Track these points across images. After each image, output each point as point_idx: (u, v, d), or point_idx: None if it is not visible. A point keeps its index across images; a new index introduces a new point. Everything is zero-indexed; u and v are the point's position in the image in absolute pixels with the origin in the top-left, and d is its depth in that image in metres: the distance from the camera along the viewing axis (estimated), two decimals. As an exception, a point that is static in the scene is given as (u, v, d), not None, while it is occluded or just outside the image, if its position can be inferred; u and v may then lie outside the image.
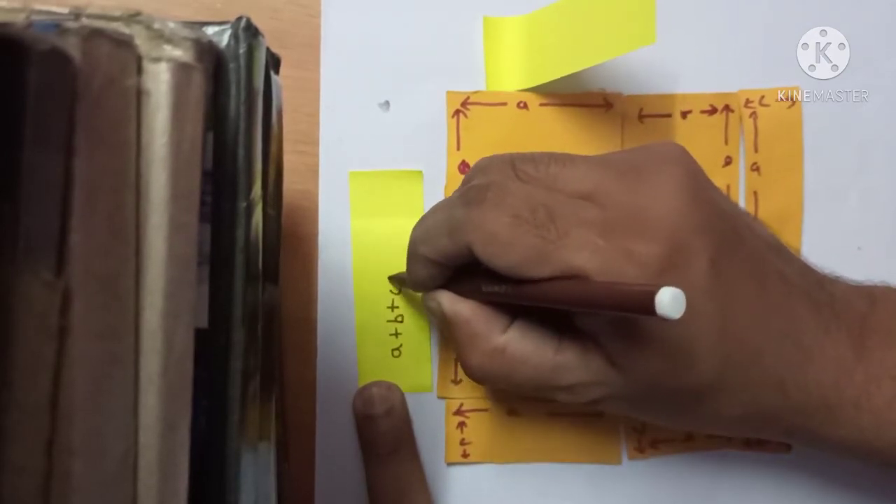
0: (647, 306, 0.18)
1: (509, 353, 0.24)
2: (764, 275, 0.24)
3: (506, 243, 0.23)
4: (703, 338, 0.23)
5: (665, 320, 0.18)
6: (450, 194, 0.30)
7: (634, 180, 0.23)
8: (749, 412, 0.24)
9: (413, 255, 0.26)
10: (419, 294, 0.29)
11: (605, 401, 0.24)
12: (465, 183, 0.27)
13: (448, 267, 0.25)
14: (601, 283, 0.21)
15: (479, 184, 0.24)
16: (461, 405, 0.31)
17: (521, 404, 0.31)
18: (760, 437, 0.28)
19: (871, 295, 0.27)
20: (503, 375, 0.25)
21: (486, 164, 0.26)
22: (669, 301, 0.18)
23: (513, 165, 0.25)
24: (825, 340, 0.25)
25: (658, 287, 0.18)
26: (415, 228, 0.26)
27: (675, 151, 0.25)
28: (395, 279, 0.30)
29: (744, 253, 0.24)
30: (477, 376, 0.25)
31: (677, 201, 0.23)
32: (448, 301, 0.26)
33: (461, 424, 0.31)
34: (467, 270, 0.25)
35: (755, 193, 0.32)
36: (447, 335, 0.27)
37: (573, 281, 0.22)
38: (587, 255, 0.22)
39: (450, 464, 0.31)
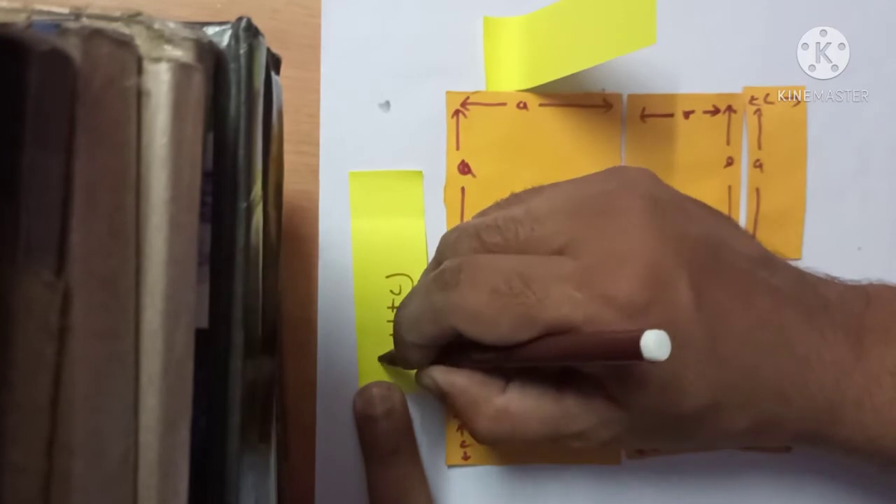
0: (634, 352, 0.19)
1: (513, 412, 0.24)
2: (749, 291, 0.24)
3: (490, 320, 0.23)
4: (695, 365, 0.23)
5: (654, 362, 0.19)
6: (450, 194, 0.31)
7: (603, 224, 0.23)
8: (754, 424, 0.24)
9: (400, 342, 0.26)
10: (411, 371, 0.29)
11: (616, 440, 0.24)
12: (435, 261, 0.27)
13: (437, 346, 0.26)
14: (587, 334, 0.22)
15: (451, 266, 0.25)
16: (461, 405, 0.31)
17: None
18: (770, 444, 0.28)
19: (866, 293, 0.27)
20: (511, 434, 0.24)
21: (454, 240, 0.26)
22: (654, 344, 0.18)
23: (479, 238, 0.25)
24: (821, 345, 0.25)
25: (641, 332, 0.19)
26: (396, 316, 0.27)
27: (642, 183, 0.25)
28: (386, 358, 0.30)
29: (724, 273, 0.24)
30: (488, 440, 0.25)
31: (649, 238, 0.23)
32: (441, 374, 0.26)
33: (461, 427, 0.31)
34: (457, 342, 0.25)
35: (757, 190, 0.32)
36: (450, 409, 0.27)
37: (560, 337, 0.22)
38: (568, 310, 0.22)
39: (450, 465, 0.31)
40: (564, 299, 0.22)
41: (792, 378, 0.24)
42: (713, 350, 0.23)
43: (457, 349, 0.26)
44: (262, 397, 0.21)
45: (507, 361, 0.24)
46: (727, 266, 0.24)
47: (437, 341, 0.25)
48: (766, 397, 0.24)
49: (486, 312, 0.23)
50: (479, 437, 0.25)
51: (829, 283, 0.27)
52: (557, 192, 0.26)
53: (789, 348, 0.24)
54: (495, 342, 0.23)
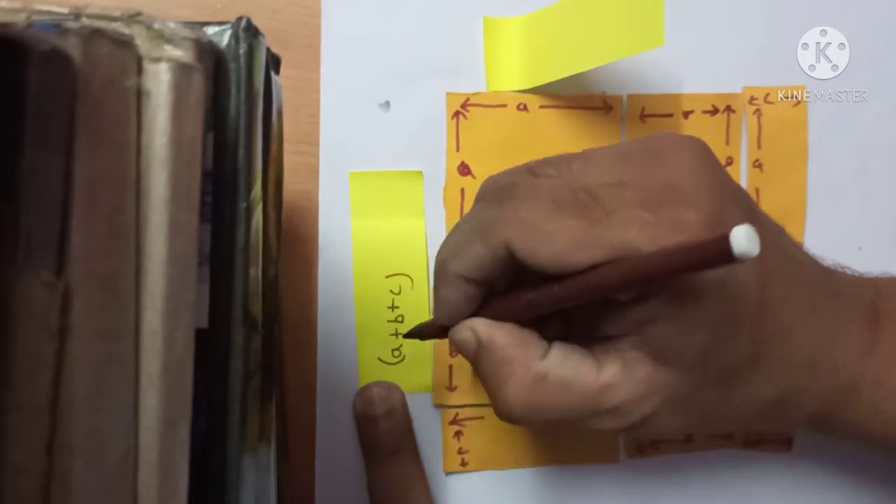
0: (722, 251, 0.17)
1: (552, 380, 0.23)
2: (783, 254, 0.24)
3: (549, 230, 0.21)
4: (744, 305, 0.22)
5: (718, 278, 0.18)
6: (449, 195, 0.31)
7: (659, 162, 0.23)
8: (779, 394, 0.24)
9: (442, 277, 0.24)
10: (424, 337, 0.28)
11: (651, 418, 0.23)
12: (479, 198, 0.25)
13: (482, 285, 0.24)
14: (663, 249, 0.20)
15: (505, 183, 0.23)
16: (457, 414, 0.31)
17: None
18: (783, 424, 0.27)
19: (875, 283, 0.27)
20: (544, 407, 0.23)
21: (501, 174, 0.25)
22: (745, 238, 0.17)
23: (531, 171, 0.24)
24: (844, 322, 0.25)
25: (727, 230, 0.17)
26: (439, 252, 0.25)
27: (685, 135, 0.24)
28: (413, 333, 0.28)
29: (763, 228, 0.24)
30: (516, 411, 0.23)
31: (706, 174, 0.22)
32: (483, 326, 0.24)
33: (458, 434, 0.31)
34: (499, 294, 0.24)
35: (757, 190, 0.32)
36: (480, 371, 0.24)
37: (626, 259, 0.21)
38: (637, 230, 0.21)
39: (448, 473, 0.31)
40: (633, 218, 0.21)
41: (821, 348, 0.24)
42: (760, 297, 0.22)
43: (501, 301, 0.24)
44: (260, 391, 0.21)
45: (563, 298, 0.22)
46: (763, 221, 0.24)
47: (484, 270, 0.23)
48: (795, 364, 0.24)
49: (545, 221, 0.21)
50: (508, 408, 0.23)
51: (838, 271, 0.27)
52: (608, 146, 0.25)
53: (819, 318, 0.24)
54: (550, 261, 0.21)
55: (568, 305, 0.23)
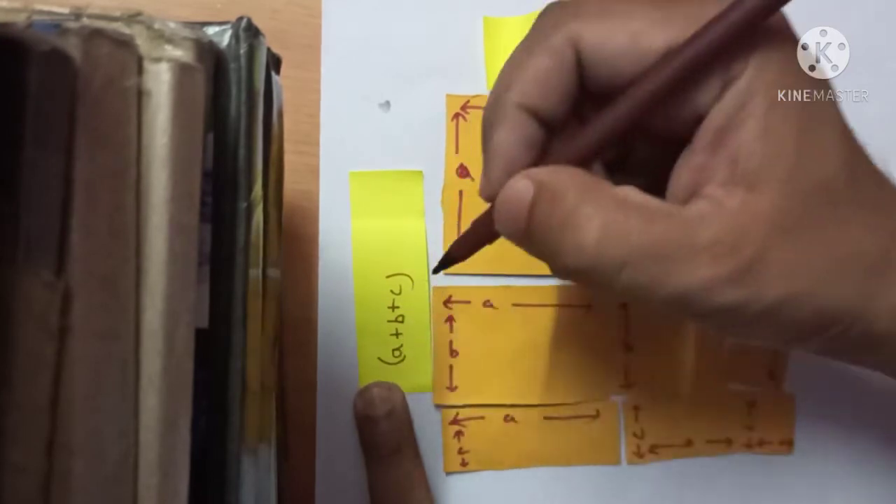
0: None
1: (632, 203, 0.19)
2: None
3: (622, 11, 0.20)
4: (826, 111, 0.21)
5: None
6: (447, 197, 0.31)
7: None
8: (887, 241, 0.21)
9: (498, 112, 0.21)
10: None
11: (761, 260, 0.19)
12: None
13: (544, 122, 0.21)
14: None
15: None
16: (457, 414, 0.31)
17: (517, 410, 0.31)
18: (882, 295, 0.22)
19: None
20: (625, 232, 0.19)
21: None
22: None
23: None
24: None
25: None
26: (493, 87, 0.21)
27: None
28: (445, 260, 0.25)
29: None
30: (590, 239, 0.19)
31: None
32: (544, 170, 0.20)
33: (458, 434, 0.31)
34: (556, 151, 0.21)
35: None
36: (537, 224, 0.20)
37: (703, 29, 0.19)
38: (713, 5, 0.19)
39: (448, 473, 0.31)
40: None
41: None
42: (838, 116, 0.21)
43: (560, 147, 0.21)
44: (261, 390, 0.21)
45: (635, 101, 0.20)
46: None
47: (548, 87, 0.20)
48: (884, 217, 0.21)
49: (616, 5, 0.20)
50: (580, 238, 0.19)
51: None
52: None
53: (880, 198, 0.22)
54: (623, 49, 0.20)
55: (644, 116, 0.20)
